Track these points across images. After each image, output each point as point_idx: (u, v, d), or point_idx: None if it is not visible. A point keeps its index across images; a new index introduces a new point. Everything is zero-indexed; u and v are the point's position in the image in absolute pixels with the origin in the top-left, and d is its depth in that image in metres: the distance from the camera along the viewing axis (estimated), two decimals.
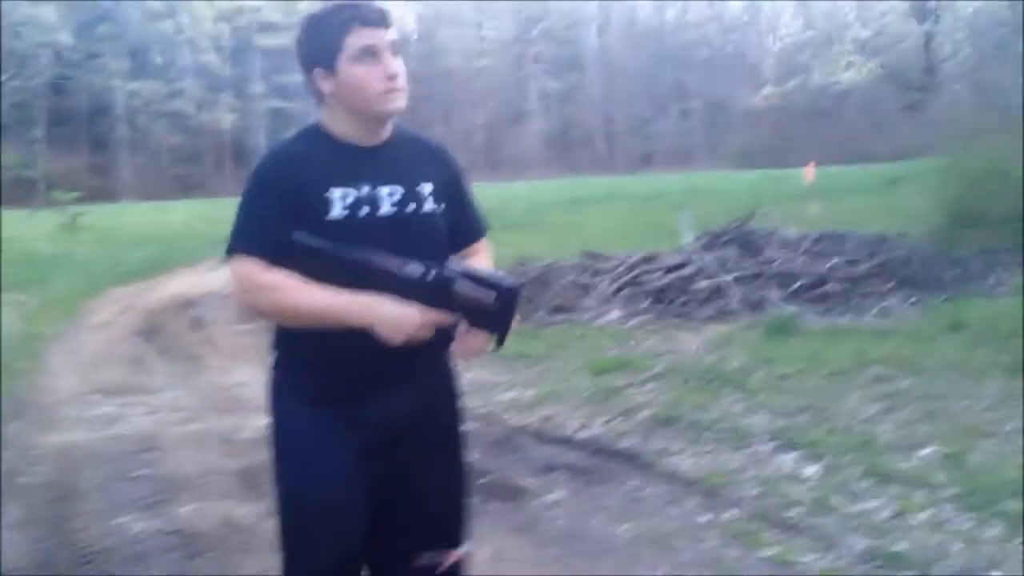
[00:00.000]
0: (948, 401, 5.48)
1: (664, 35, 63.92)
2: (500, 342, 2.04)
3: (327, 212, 2.04)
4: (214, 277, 13.26)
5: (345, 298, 2.00)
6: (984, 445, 4.65)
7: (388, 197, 2.10)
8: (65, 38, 47.42)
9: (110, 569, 3.74)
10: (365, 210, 2.06)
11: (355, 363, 2.09)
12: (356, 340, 2.01)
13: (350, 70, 2.05)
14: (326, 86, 2.09)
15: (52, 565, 3.79)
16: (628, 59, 62.01)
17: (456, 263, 2.05)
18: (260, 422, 5.69)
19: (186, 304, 10.94)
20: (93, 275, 13.92)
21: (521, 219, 19.18)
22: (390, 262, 1.99)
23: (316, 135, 2.14)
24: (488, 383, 6.46)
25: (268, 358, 2.24)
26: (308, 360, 2.13)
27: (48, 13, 46.46)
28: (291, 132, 2.21)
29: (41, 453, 5.33)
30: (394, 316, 1.99)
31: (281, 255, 2.02)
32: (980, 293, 8.59)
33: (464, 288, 1.96)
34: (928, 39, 50.91)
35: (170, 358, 8.15)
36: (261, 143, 53.62)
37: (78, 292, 12.12)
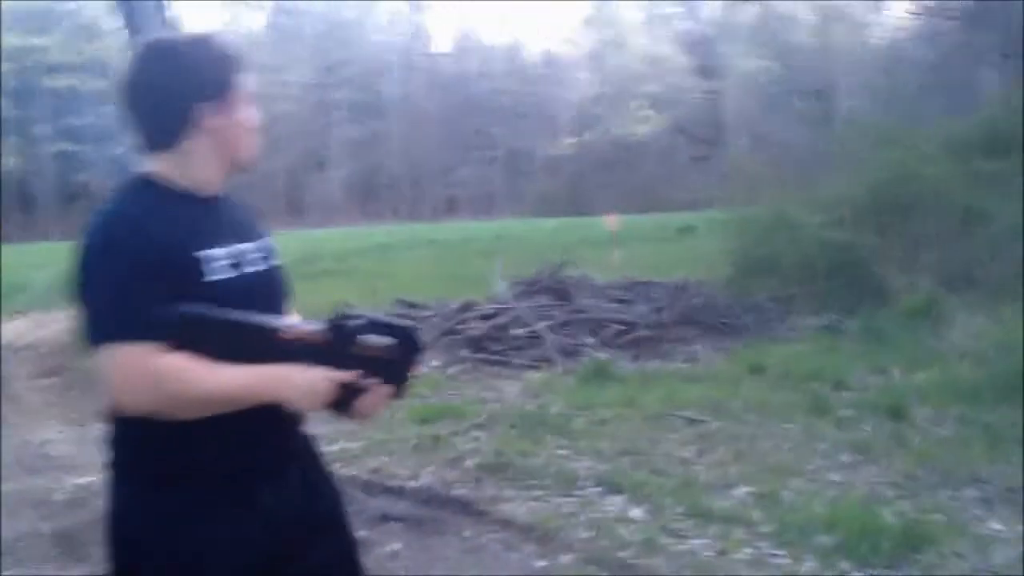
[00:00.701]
0: (756, 441, 5.83)
1: (466, 84, 64.99)
2: (402, 392, 1.91)
3: (205, 274, 1.80)
4: (5, 330, 12.57)
5: (256, 372, 1.77)
6: (793, 483, 4.97)
7: (251, 252, 1.93)
8: None
9: None
10: (241, 268, 1.88)
11: (248, 447, 1.87)
12: (246, 420, 1.81)
13: (243, 110, 1.91)
14: (212, 123, 1.86)
15: None
16: (431, 107, 62.66)
17: (356, 313, 1.87)
18: (74, 482, 5.49)
19: None
20: None
21: (331, 266, 19.01)
22: (291, 323, 1.84)
23: (151, 189, 1.86)
24: (313, 435, 6.39)
25: (113, 471, 1.89)
26: (192, 460, 1.82)
27: None
28: (107, 188, 1.91)
29: None
30: (307, 382, 1.79)
31: (163, 334, 1.72)
32: (776, 337, 9.17)
33: (369, 339, 1.83)
34: (714, 95, 53.91)
35: None
36: (48, 187, 51.01)
37: None
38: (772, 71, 50.22)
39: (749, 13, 53.44)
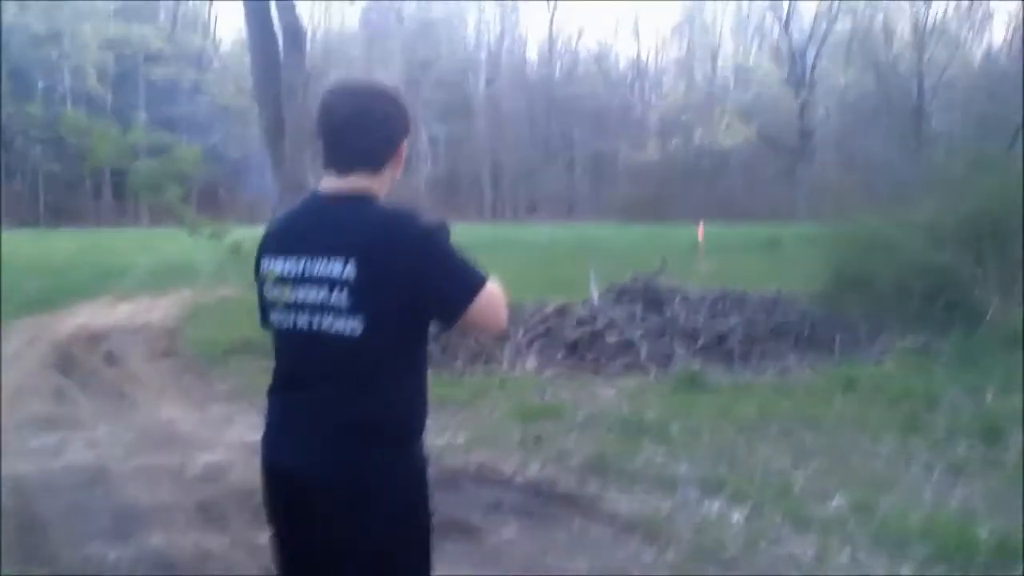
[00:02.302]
0: (850, 455, 6.01)
1: (553, 87, 65.35)
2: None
3: None
4: (116, 311, 13.17)
5: None
6: (887, 496, 5.16)
7: None
8: None
9: None
10: None
11: None
12: None
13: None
14: (402, 152, 2.34)
15: None
16: (516, 109, 63.11)
17: None
18: (204, 458, 5.89)
19: (95, 338, 10.86)
20: None
21: None
22: None
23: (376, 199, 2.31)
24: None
25: (405, 444, 2.28)
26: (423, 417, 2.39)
27: None
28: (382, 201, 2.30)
29: None
30: None
31: None
32: (868, 356, 9.26)
33: None
34: (802, 107, 53.43)
35: (93, 393, 8.16)
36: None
37: None
38: (864, 85, 49.56)
39: (843, 25, 52.88)
